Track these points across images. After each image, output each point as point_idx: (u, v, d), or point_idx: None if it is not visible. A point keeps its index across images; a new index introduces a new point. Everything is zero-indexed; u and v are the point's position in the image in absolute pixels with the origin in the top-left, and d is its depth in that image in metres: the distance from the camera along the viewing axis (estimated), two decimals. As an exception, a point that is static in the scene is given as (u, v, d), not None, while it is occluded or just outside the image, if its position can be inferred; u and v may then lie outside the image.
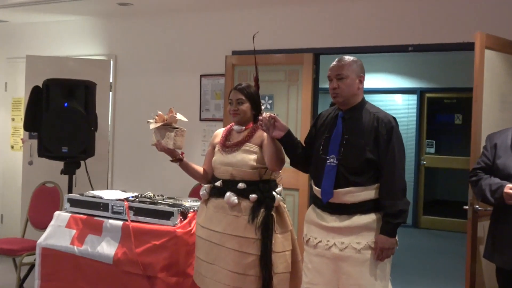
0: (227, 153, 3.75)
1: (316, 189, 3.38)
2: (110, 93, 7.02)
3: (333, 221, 3.29)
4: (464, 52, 5.26)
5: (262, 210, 3.61)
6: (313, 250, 3.37)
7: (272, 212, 3.64)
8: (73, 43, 7.31)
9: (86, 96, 5.64)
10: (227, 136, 3.86)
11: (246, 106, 3.76)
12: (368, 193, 3.23)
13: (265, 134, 3.57)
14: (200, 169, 3.96)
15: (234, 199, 3.63)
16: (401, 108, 10.34)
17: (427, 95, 10.22)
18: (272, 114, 3.39)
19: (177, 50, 6.66)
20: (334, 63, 3.38)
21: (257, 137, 3.71)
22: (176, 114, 3.86)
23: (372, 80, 10.04)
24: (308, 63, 5.74)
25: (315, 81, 5.78)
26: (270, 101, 5.94)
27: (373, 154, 3.22)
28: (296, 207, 5.67)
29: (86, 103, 5.63)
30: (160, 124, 3.84)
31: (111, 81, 7.02)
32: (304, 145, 3.57)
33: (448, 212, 9.98)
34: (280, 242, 3.66)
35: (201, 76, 6.44)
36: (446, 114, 10.49)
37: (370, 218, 3.24)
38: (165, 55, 6.74)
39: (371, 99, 11.05)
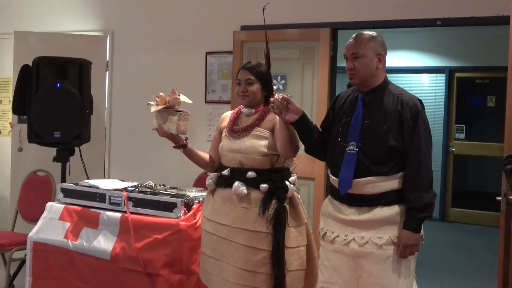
0: (235, 139, 3.74)
1: (334, 179, 3.37)
2: (107, 72, 7.03)
3: (352, 214, 3.29)
4: (499, 26, 5.22)
5: (274, 201, 3.61)
6: (330, 246, 3.37)
7: (285, 204, 3.64)
8: (66, 17, 7.32)
9: (80, 76, 5.65)
10: (235, 120, 3.85)
11: (256, 87, 3.75)
12: (391, 183, 3.23)
13: (277, 117, 3.56)
14: (205, 156, 3.96)
15: (243, 189, 3.64)
16: (427, 89, 10.31)
17: (457, 74, 10.18)
18: (285, 96, 3.37)
19: (180, 25, 6.65)
20: (350, 40, 3.34)
21: (268, 121, 3.71)
22: (179, 95, 3.85)
23: (395, 59, 10.00)
24: (325, 39, 5.72)
25: (333, 59, 5.77)
26: (283, 81, 5.93)
27: (397, 141, 3.21)
28: (312, 198, 5.69)
29: (80, 84, 5.64)
30: (162, 107, 3.83)
31: (107, 59, 7.03)
32: (320, 130, 3.56)
33: (479, 204, 9.95)
34: (294, 236, 3.67)
35: (207, 53, 6.43)
36: (477, 95, 10.43)
37: (393, 210, 3.23)
38: (167, 31, 6.73)
39: (394, 79, 11.06)
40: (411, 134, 3.21)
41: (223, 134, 3.86)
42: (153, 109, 3.86)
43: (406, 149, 3.21)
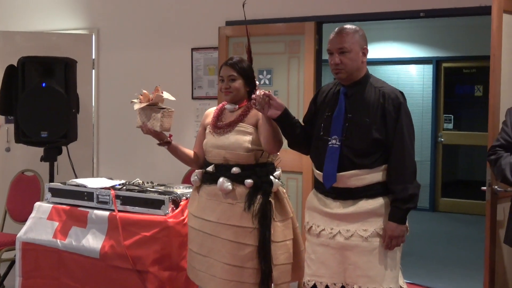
0: (219, 135, 3.77)
1: (318, 173, 3.41)
2: (93, 70, 7.03)
3: (337, 207, 3.32)
4: (484, 16, 5.26)
5: (259, 196, 3.65)
6: (316, 239, 3.40)
7: (270, 199, 3.67)
8: (51, 16, 7.31)
9: (66, 75, 5.65)
10: (219, 116, 3.88)
11: (239, 83, 3.77)
12: (375, 176, 3.26)
13: (260, 113, 3.59)
14: (190, 152, 3.99)
15: (228, 185, 3.67)
16: (415, 79, 10.34)
17: (444, 64, 10.21)
18: (267, 92, 3.39)
19: (166, 21, 6.66)
20: (333, 35, 3.36)
21: (251, 116, 3.73)
22: (162, 93, 3.87)
23: (382, 50, 10.03)
24: (310, 32, 5.74)
25: (318, 52, 5.79)
26: (269, 76, 5.96)
27: (380, 133, 3.24)
28: (300, 192, 5.71)
29: (67, 83, 5.64)
30: (145, 104, 3.85)
31: (93, 57, 7.03)
32: (303, 124, 3.59)
33: (469, 193, 9.99)
34: (280, 230, 3.70)
35: (192, 49, 6.45)
36: (465, 85, 10.46)
37: (377, 202, 3.27)
38: (152, 27, 6.74)
39: (382, 70, 11.07)
40: (394, 126, 3.24)
41: (207, 131, 3.88)
42: (136, 106, 3.88)
43: (390, 141, 3.25)
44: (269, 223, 3.63)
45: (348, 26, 3.38)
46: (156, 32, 6.72)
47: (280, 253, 3.68)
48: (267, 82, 5.92)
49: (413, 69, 10.44)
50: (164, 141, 3.90)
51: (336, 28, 3.40)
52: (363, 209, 3.27)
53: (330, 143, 3.31)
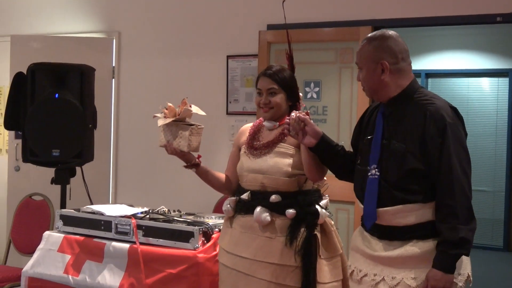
0: (256, 157, 3.75)
1: (362, 207, 3.36)
2: (113, 80, 7.11)
3: (381, 249, 3.23)
4: None
5: (302, 229, 3.62)
6: (357, 286, 3.34)
7: (315, 232, 3.65)
8: (65, 18, 7.41)
9: (82, 85, 5.68)
10: (255, 134, 3.86)
11: (280, 97, 3.73)
12: (425, 213, 3.13)
13: None
14: (222, 176, 3.98)
15: (266, 216, 3.64)
16: (488, 94, 10.23)
17: (523, 78, 10.12)
18: (301, 115, 3.34)
19: (197, 24, 6.70)
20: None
21: None
22: (191, 106, 3.86)
23: (447, 60, 9.97)
24: (365, 39, 5.73)
25: (375, 62, 5.77)
26: (317, 89, 5.95)
27: (419, 162, 3.12)
28: (352, 225, 5.68)
29: (82, 94, 5.67)
30: (171, 120, 3.85)
31: (113, 65, 7.11)
32: (349, 149, 3.52)
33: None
34: (327, 270, 3.67)
35: (228, 57, 6.48)
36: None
37: (428, 245, 3.13)
38: (181, 31, 6.79)
39: (447, 84, 10.98)
40: (439, 153, 3.10)
41: (242, 151, 3.87)
42: (161, 122, 3.87)
43: (434, 172, 3.11)
44: (314, 261, 3.60)
45: (372, 34, 3.30)
46: (186, 36, 6.76)
47: None
48: (314, 96, 5.91)
49: (485, 82, 10.34)
50: (192, 163, 3.89)
51: None
52: (411, 252, 3.16)
53: (369, 173, 3.24)
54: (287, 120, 3.36)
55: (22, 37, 6.93)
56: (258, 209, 3.66)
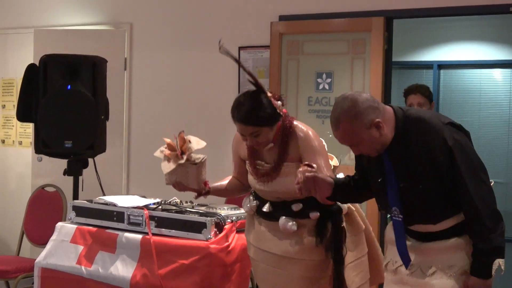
0: (266, 182, 3.72)
1: None
2: (125, 71, 7.10)
3: (416, 241, 3.27)
4: None
5: (329, 225, 3.66)
6: (392, 277, 3.34)
7: (343, 225, 3.69)
8: (75, 9, 7.40)
9: (94, 76, 5.69)
10: (254, 153, 3.79)
11: (264, 132, 3.60)
12: (459, 217, 3.17)
13: (299, 143, 3.60)
14: (232, 183, 4.01)
15: (292, 224, 3.66)
16: (501, 85, 10.15)
17: (537, 69, 10.05)
18: (309, 173, 3.22)
19: (209, 15, 6.69)
20: (333, 128, 3.17)
21: (292, 150, 3.66)
22: (190, 140, 3.87)
23: (460, 52, 9.90)
24: (378, 30, 5.71)
25: (387, 53, 5.77)
26: (329, 80, 5.92)
27: (440, 191, 3.14)
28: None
29: (94, 85, 5.67)
30: (176, 165, 3.83)
31: (125, 56, 7.10)
32: (357, 174, 3.53)
33: None
34: (353, 248, 3.75)
35: (240, 48, 6.47)
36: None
37: (464, 237, 3.18)
38: (193, 23, 6.77)
39: (459, 75, 10.87)
40: (452, 174, 3.12)
41: (248, 169, 3.84)
42: (166, 169, 3.87)
43: (451, 190, 3.14)
44: (344, 254, 3.66)
45: (341, 116, 3.09)
46: (197, 28, 6.74)
47: (355, 275, 3.72)
48: (326, 87, 5.89)
49: (498, 73, 10.27)
50: (203, 193, 3.94)
51: (330, 118, 3.17)
52: (449, 243, 3.19)
53: (392, 214, 3.26)
54: (297, 184, 3.23)
55: (41, 31, 6.93)
56: (283, 219, 3.67)
